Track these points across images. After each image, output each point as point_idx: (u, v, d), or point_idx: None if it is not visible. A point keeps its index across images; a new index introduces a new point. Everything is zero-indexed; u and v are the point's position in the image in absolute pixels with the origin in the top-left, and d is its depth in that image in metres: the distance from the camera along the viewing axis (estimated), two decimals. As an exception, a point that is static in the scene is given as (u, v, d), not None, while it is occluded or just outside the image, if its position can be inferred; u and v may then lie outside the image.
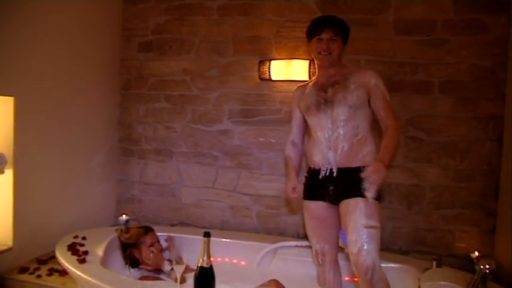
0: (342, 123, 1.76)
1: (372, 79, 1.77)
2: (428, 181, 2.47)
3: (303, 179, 1.96)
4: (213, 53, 2.78)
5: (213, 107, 2.80)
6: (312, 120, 1.87)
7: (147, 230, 2.21)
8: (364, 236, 1.63)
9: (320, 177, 1.82)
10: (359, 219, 1.66)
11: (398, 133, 1.76)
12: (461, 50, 2.37)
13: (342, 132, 1.76)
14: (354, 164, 1.73)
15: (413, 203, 2.48)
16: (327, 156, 1.80)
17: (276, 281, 2.01)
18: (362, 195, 1.67)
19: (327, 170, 1.80)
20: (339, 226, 1.92)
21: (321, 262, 1.96)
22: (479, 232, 2.41)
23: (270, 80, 2.61)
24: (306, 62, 2.49)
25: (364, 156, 1.75)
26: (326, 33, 1.78)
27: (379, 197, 1.72)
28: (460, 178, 2.43)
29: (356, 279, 2.10)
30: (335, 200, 1.79)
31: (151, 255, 2.14)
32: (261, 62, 2.60)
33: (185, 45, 2.83)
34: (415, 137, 2.45)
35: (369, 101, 1.78)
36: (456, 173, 2.43)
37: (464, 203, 2.44)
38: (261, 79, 2.64)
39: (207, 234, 1.49)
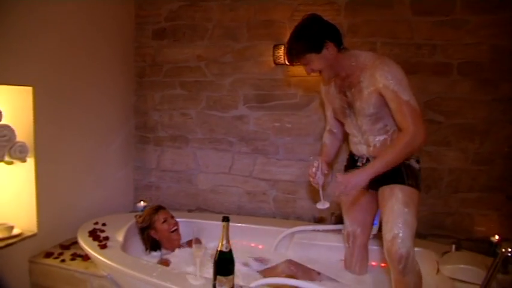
0: (367, 128, 1.72)
1: (379, 80, 1.58)
2: (447, 164, 2.44)
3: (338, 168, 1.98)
4: (227, 38, 2.75)
5: (228, 93, 2.79)
6: (342, 121, 1.87)
7: (158, 208, 2.29)
8: (400, 224, 1.59)
9: (358, 164, 1.82)
10: (395, 206, 1.63)
11: (409, 141, 1.55)
12: (480, 30, 2.30)
13: (370, 134, 1.74)
14: None
15: (431, 187, 2.45)
16: (361, 149, 1.81)
17: (290, 261, 2.04)
18: (399, 182, 1.65)
19: (364, 158, 1.81)
20: (375, 212, 1.94)
21: (350, 245, 1.99)
22: (499, 216, 2.38)
23: (285, 64, 2.57)
24: (321, 46, 2.45)
25: None
26: (297, 63, 1.74)
27: (417, 185, 1.70)
28: (479, 161, 2.39)
29: (383, 264, 2.12)
30: (373, 186, 1.74)
31: (166, 228, 2.21)
32: (276, 47, 2.57)
33: (199, 32, 2.81)
34: (433, 120, 2.41)
35: None
36: (475, 156, 2.39)
37: (483, 187, 2.40)
38: (276, 64, 2.61)
39: (226, 219, 1.51)
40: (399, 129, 1.62)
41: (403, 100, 1.54)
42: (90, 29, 2.51)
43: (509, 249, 1.63)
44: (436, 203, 2.46)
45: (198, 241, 1.82)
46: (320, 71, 1.73)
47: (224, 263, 1.56)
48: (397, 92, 1.55)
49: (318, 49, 1.63)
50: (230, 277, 1.56)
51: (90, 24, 2.51)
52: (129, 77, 2.97)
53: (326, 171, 1.89)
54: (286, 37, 2.53)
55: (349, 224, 1.99)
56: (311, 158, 1.92)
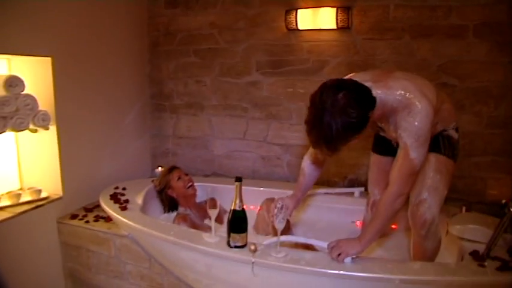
0: None
1: (401, 125, 1.48)
2: (461, 128, 2.36)
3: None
4: (239, 4, 2.74)
5: (241, 59, 2.80)
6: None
7: (172, 168, 2.39)
8: (430, 189, 1.60)
9: (393, 144, 1.78)
10: (427, 172, 1.64)
11: (389, 202, 1.51)
12: (499, -11, 2.21)
13: None
14: None
15: None
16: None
17: (270, 199, 2.12)
18: (436, 151, 1.66)
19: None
20: None
21: (373, 211, 1.99)
22: None
23: (297, 29, 2.56)
24: (333, 10, 2.43)
25: (435, 124, 1.61)
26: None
27: (454, 156, 1.70)
28: (493, 125, 2.36)
29: (393, 226, 2.19)
30: None
31: (181, 184, 2.31)
32: (288, 12, 2.55)
33: (211, -1, 2.80)
34: (446, 84, 2.37)
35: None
36: (490, 119, 2.36)
37: (497, 151, 2.38)
38: (288, 29, 2.60)
39: (238, 179, 1.58)
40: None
41: (409, 157, 1.47)
42: (103, 1, 2.53)
43: (517, 208, 1.67)
44: None
45: (213, 201, 1.91)
46: None
47: (237, 221, 1.64)
48: (408, 147, 1.47)
49: (363, 127, 1.40)
50: (243, 234, 1.65)
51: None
52: (144, 47, 3.01)
53: (289, 217, 1.79)
54: (298, 2, 2.56)
55: (377, 193, 1.98)
56: (275, 197, 1.83)
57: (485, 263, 1.56)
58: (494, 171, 2.41)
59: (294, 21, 2.52)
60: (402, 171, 1.49)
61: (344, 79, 1.46)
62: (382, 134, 1.80)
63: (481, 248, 1.65)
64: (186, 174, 2.38)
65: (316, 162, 1.83)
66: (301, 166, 1.88)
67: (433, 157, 1.66)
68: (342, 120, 1.31)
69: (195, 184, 2.39)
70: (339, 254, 1.52)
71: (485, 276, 1.49)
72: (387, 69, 1.75)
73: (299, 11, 2.51)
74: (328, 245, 1.58)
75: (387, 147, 1.83)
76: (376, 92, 1.44)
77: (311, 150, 1.83)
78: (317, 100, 1.37)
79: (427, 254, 1.74)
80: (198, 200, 2.42)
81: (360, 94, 1.37)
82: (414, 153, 1.46)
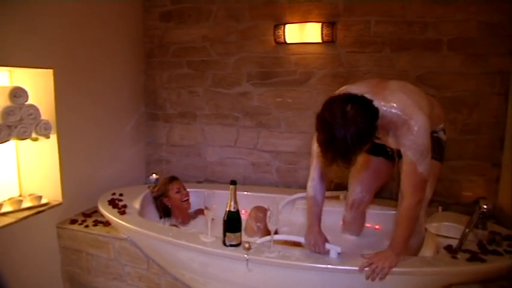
0: None
1: (403, 143, 1.55)
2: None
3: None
4: (231, 19, 2.88)
5: (232, 71, 2.94)
6: None
7: (172, 179, 2.49)
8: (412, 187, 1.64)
9: (388, 150, 1.86)
10: None
11: (411, 213, 1.60)
12: (470, 7, 2.40)
13: None
14: None
15: None
16: None
17: (258, 208, 2.27)
18: None
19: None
20: (382, 179, 2.07)
21: (354, 211, 2.11)
22: (484, 181, 2.54)
23: (285, 43, 2.71)
24: (319, 25, 2.59)
25: None
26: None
27: (441, 158, 1.78)
28: (467, 131, 2.53)
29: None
30: (393, 157, 1.80)
31: (178, 197, 2.40)
32: (276, 26, 2.70)
33: (203, 13, 2.94)
34: (425, 93, 2.55)
35: None
36: (464, 126, 2.53)
37: (471, 155, 2.55)
38: (277, 43, 2.75)
39: (233, 182, 1.71)
40: (400, 198, 1.67)
41: (418, 172, 1.54)
42: (101, 14, 2.65)
43: (484, 206, 1.84)
44: None
45: (201, 210, 2.04)
46: None
47: (232, 222, 1.77)
48: (415, 163, 1.54)
49: (373, 135, 1.47)
50: (238, 234, 1.78)
51: (101, 10, 2.64)
52: (139, 58, 3.13)
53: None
54: (286, 17, 2.72)
55: (359, 191, 2.05)
56: (265, 206, 1.89)
57: (458, 256, 1.72)
58: (468, 173, 2.58)
59: (282, 35, 2.67)
60: (414, 184, 1.59)
61: (346, 93, 1.48)
62: (376, 141, 1.72)
63: (455, 243, 1.81)
64: (185, 188, 2.47)
65: (322, 178, 1.81)
66: (310, 195, 1.81)
67: None
68: (354, 130, 1.34)
69: (190, 190, 2.50)
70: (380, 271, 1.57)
71: (457, 266, 1.65)
72: (382, 80, 1.74)
73: (287, 25, 2.66)
74: (361, 266, 1.59)
75: (380, 149, 1.87)
76: (377, 104, 1.48)
77: (314, 173, 1.80)
78: (326, 117, 1.39)
79: (411, 251, 1.83)
80: (191, 208, 2.52)
81: (365, 104, 1.42)
82: (421, 168, 1.55)
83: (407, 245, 1.65)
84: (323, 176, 1.80)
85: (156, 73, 3.14)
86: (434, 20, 2.48)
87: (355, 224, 2.20)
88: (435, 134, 1.79)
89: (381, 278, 1.56)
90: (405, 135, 1.54)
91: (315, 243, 1.70)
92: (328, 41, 2.62)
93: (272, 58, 2.84)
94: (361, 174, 2.05)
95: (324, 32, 2.58)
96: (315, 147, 1.60)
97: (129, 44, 3.02)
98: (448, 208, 2.45)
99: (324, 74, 2.74)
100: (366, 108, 1.42)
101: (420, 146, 1.53)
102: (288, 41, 2.69)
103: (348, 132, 1.34)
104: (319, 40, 2.62)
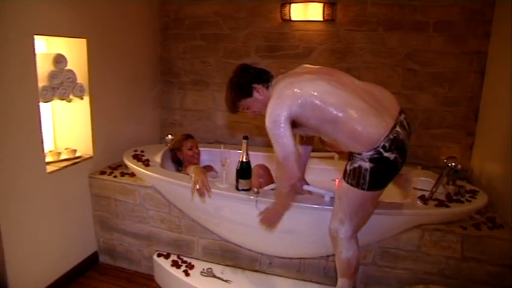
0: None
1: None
2: (421, 106, 2.91)
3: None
4: (241, -4, 3.14)
5: (241, 44, 3.22)
6: None
7: (188, 136, 2.82)
8: (334, 210, 1.86)
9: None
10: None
11: (281, 163, 1.74)
12: (454, -8, 2.69)
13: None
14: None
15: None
16: None
17: (260, 165, 2.54)
18: (343, 176, 1.80)
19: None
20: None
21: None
22: (460, 148, 2.89)
23: (290, 20, 2.99)
24: (321, 5, 2.87)
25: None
26: (239, 110, 1.94)
27: (359, 184, 1.71)
28: (447, 103, 2.86)
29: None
30: None
31: (190, 153, 2.73)
32: (283, 5, 2.97)
33: (216, -10, 3.18)
34: (411, 69, 2.87)
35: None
36: (444, 99, 2.86)
37: (449, 124, 2.88)
38: (283, 20, 3.02)
39: (246, 137, 2.07)
40: None
41: (279, 151, 1.72)
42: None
43: (453, 164, 2.22)
44: (411, 137, 2.95)
45: (209, 166, 2.50)
46: (261, 111, 1.87)
47: (244, 170, 2.14)
48: (270, 129, 1.71)
49: (248, 94, 1.85)
50: (248, 180, 2.15)
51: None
52: (156, 31, 3.39)
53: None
54: (292, -3, 2.99)
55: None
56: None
57: (427, 203, 2.12)
58: (446, 141, 2.92)
59: (288, 13, 2.95)
60: (275, 145, 1.79)
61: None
62: None
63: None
64: (197, 147, 2.79)
65: (301, 141, 2.22)
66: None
67: (341, 181, 1.83)
68: (232, 85, 1.92)
69: (206, 149, 2.85)
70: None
71: (426, 209, 2.05)
72: (337, 72, 1.89)
73: (292, 4, 2.93)
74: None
75: None
76: (281, 78, 1.88)
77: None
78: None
79: (351, 268, 1.89)
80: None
81: (253, 71, 1.93)
82: (272, 132, 1.78)
83: (280, 192, 1.90)
84: (301, 140, 2.21)
85: (172, 44, 3.41)
86: (423, 4, 2.77)
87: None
88: (356, 164, 1.71)
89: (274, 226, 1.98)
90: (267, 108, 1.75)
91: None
92: (329, 19, 2.91)
93: (278, 33, 3.12)
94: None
95: (325, 11, 2.87)
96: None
97: (148, 18, 3.27)
98: (427, 168, 2.82)
99: (324, 48, 3.04)
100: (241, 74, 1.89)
101: (272, 115, 1.70)
102: (293, 18, 2.96)
103: (230, 80, 1.91)
104: (320, 18, 2.90)
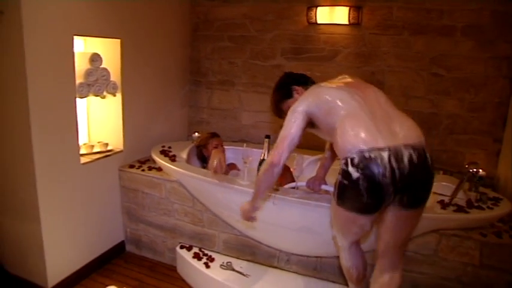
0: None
1: None
2: (446, 111, 2.88)
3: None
4: (269, 0, 3.21)
5: (268, 46, 3.28)
6: None
7: (214, 135, 2.90)
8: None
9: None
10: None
11: (266, 168, 1.78)
12: (483, -2, 2.65)
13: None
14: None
15: (431, 128, 2.91)
16: None
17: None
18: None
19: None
20: None
21: None
22: (486, 154, 2.83)
23: (316, 23, 3.04)
24: (347, 8, 2.90)
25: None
26: (284, 115, 1.88)
27: (339, 201, 1.64)
28: (473, 109, 2.81)
29: None
30: None
31: (214, 151, 2.77)
32: (309, 8, 3.02)
33: (245, -7, 3.27)
34: (436, 74, 2.85)
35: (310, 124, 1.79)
36: (470, 104, 2.81)
37: (475, 130, 2.83)
38: (309, 23, 3.07)
39: (267, 136, 2.16)
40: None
41: (281, 132, 1.76)
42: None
43: (474, 169, 2.21)
44: (434, 141, 2.92)
45: (233, 164, 2.57)
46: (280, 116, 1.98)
47: (265, 168, 2.21)
48: (287, 116, 1.78)
49: (289, 95, 1.97)
50: (268, 178, 2.22)
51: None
52: (186, 32, 3.51)
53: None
54: (318, 0, 3.05)
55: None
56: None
57: (447, 208, 2.12)
58: (471, 147, 2.87)
59: (314, 17, 3.00)
60: (275, 145, 1.84)
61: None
62: None
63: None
64: (222, 145, 2.86)
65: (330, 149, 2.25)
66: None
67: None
68: (275, 89, 2.09)
69: (230, 148, 2.94)
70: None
71: (444, 214, 2.06)
72: (362, 83, 1.89)
73: (318, 8, 2.98)
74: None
75: None
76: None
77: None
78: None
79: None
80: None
81: (293, 75, 2.12)
82: (284, 126, 1.81)
83: (256, 198, 1.93)
84: (330, 146, 2.21)
85: (201, 45, 3.53)
86: (450, 8, 2.75)
87: None
88: (341, 180, 1.60)
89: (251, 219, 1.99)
90: None
91: (309, 185, 2.22)
92: (354, 23, 2.94)
93: (304, 36, 3.17)
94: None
95: (351, 15, 2.90)
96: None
97: (178, 19, 3.39)
98: (452, 176, 2.78)
99: (349, 52, 3.07)
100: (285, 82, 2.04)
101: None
102: (319, 21, 3.01)
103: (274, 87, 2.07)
104: (346, 22, 2.94)
